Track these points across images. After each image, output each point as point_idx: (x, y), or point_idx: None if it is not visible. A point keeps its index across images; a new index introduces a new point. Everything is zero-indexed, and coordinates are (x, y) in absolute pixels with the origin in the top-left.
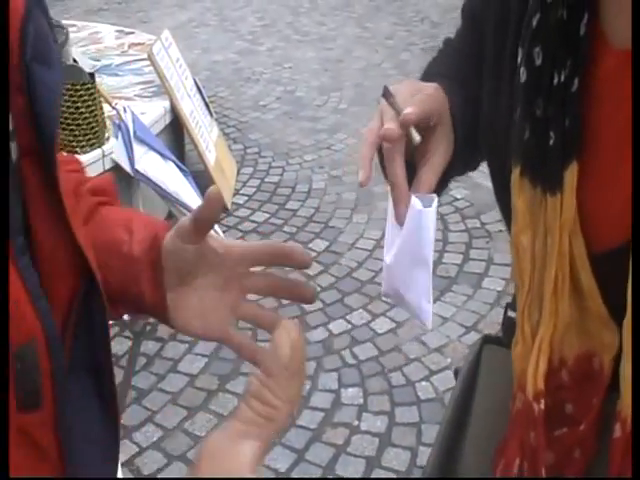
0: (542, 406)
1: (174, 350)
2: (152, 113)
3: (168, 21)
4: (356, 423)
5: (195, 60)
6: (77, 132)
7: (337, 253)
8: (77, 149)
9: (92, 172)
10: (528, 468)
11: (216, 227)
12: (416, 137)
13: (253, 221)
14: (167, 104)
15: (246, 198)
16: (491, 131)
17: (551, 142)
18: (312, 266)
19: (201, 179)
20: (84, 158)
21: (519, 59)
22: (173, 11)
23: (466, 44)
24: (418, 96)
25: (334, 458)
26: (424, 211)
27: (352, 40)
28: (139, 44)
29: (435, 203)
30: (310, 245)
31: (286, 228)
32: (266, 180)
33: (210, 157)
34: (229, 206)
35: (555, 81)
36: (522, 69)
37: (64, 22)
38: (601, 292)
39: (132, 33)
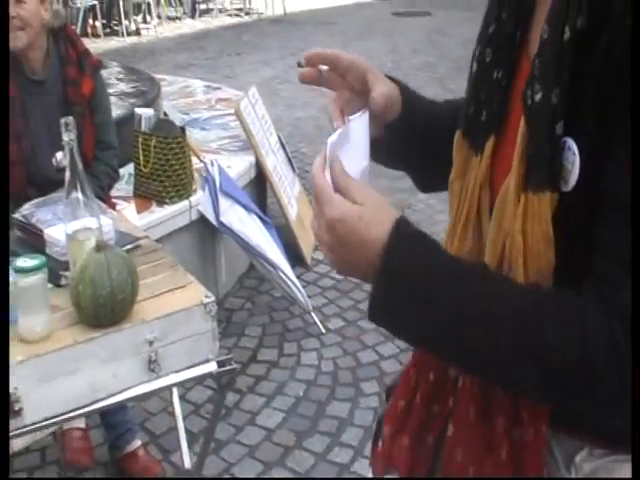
0: None
1: (252, 403)
2: (238, 167)
3: (253, 77)
4: None
5: (279, 116)
6: (167, 183)
7: None
8: (166, 199)
9: (179, 222)
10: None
11: (296, 282)
12: (322, 67)
13: (332, 277)
14: (252, 159)
15: None
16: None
17: (482, 118)
18: None
19: (282, 233)
20: (172, 208)
21: (476, 53)
22: (257, 67)
23: None
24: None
25: None
26: (351, 120)
27: None
28: (226, 99)
29: (359, 113)
30: None
31: (366, 286)
32: None
33: (292, 212)
34: (309, 262)
35: (494, 76)
36: (475, 63)
37: (156, 76)
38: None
39: (219, 88)
